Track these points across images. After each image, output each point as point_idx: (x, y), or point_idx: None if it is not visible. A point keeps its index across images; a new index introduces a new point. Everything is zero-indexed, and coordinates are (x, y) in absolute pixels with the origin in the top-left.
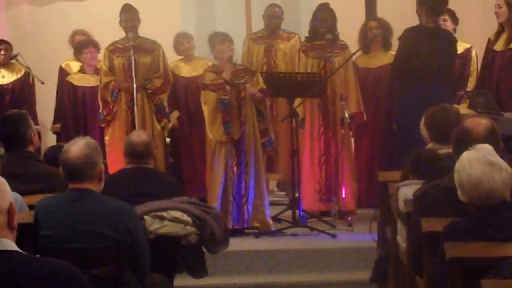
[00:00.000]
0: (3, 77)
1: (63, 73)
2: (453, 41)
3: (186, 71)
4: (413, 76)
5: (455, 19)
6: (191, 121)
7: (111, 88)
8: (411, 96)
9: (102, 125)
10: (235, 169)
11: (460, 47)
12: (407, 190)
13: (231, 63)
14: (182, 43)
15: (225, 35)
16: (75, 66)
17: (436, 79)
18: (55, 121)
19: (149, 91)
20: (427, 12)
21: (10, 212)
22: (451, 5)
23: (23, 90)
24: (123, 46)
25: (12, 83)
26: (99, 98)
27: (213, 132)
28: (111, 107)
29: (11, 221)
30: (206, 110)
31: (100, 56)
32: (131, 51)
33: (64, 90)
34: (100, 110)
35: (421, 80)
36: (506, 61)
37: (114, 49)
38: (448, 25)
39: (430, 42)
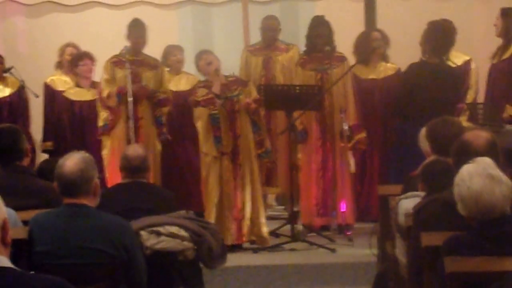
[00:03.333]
0: None
1: (48, 89)
2: (457, 77)
3: (174, 85)
4: (415, 111)
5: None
6: (176, 136)
7: (116, 91)
8: (412, 130)
9: (100, 137)
10: (231, 184)
11: (460, 60)
12: (408, 203)
13: (219, 75)
14: (174, 54)
15: (202, 51)
16: (60, 81)
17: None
18: (45, 138)
19: (155, 100)
20: (432, 50)
21: (3, 228)
22: (453, 17)
23: (19, 104)
24: (125, 59)
25: (10, 96)
26: (101, 108)
27: (207, 148)
28: (116, 111)
29: (5, 237)
30: (199, 126)
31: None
32: (127, 64)
33: (61, 106)
34: (103, 118)
35: (424, 115)
36: (497, 73)
37: (117, 61)
38: None
39: (434, 79)
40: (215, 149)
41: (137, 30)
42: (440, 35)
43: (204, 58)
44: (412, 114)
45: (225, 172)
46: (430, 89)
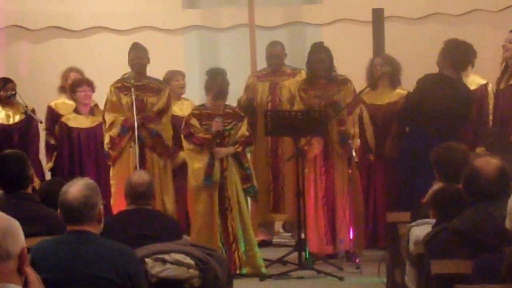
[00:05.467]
0: (9, 117)
1: (53, 113)
2: (471, 98)
3: (177, 109)
4: (422, 120)
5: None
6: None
7: (121, 124)
8: (417, 140)
9: (110, 163)
10: (218, 215)
11: (474, 84)
12: (419, 231)
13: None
14: (177, 79)
15: (221, 93)
16: (65, 106)
17: (444, 129)
18: (48, 160)
19: (142, 120)
20: (450, 66)
21: (21, 257)
22: (466, 38)
23: (29, 130)
24: (130, 85)
25: (20, 122)
26: (106, 137)
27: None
28: (117, 141)
29: (21, 267)
30: (187, 155)
31: (95, 95)
32: (132, 89)
33: (58, 131)
34: (105, 145)
35: (430, 126)
36: (507, 99)
37: (121, 86)
38: None
39: (447, 90)
40: (203, 183)
41: (133, 52)
42: (459, 51)
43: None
44: (418, 122)
45: (214, 204)
46: (440, 98)
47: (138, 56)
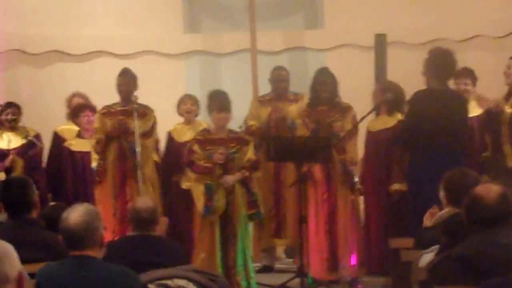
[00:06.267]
0: (10, 141)
1: (59, 139)
2: (463, 103)
3: (181, 135)
4: (423, 139)
5: (475, 81)
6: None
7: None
8: (421, 160)
9: (97, 179)
10: (220, 243)
11: (475, 111)
12: (429, 257)
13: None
14: (185, 102)
15: (223, 105)
16: (70, 131)
17: (446, 142)
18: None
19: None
20: (434, 76)
21: (19, 280)
22: (468, 63)
23: (30, 155)
24: (115, 110)
25: (18, 148)
26: (94, 153)
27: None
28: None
29: None
30: (191, 183)
31: None
32: (135, 114)
33: (62, 156)
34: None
35: (431, 143)
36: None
37: (106, 112)
38: (470, 89)
39: (439, 105)
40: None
41: (121, 79)
42: (441, 61)
43: (223, 114)
44: (419, 143)
45: (215, 231)
46: (435, 115)
47: (126, 83)
